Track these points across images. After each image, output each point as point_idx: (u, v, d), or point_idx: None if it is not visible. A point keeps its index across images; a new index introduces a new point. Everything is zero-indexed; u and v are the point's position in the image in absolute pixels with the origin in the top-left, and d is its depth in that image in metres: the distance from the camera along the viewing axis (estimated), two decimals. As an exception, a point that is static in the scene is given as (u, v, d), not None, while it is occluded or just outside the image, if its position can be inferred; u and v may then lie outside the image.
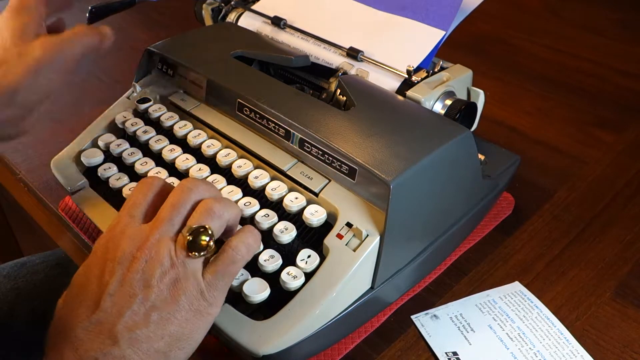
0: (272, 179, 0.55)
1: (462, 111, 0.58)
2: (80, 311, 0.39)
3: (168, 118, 0.63)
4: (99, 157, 0.61)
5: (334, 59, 0.65)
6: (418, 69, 0.61)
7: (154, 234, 0.41)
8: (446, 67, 0.64)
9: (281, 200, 0.52)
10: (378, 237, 0.48)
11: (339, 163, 0.52)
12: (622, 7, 1.11)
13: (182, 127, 0.61)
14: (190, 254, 0.41)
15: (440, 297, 0.56)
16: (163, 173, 0.58)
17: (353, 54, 0.64)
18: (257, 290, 0.47)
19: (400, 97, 0.60)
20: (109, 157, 0.62)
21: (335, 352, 0.51)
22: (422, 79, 0.60)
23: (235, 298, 0.48)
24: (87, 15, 0.65)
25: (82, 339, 0.38)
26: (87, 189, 0.60)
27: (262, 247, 0.50)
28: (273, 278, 0.48)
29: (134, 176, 0.59)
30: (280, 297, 0.47)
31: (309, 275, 0.48)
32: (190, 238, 0.41)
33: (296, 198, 0.52)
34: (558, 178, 0.71)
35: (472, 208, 0.59)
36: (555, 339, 0.52)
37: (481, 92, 0.64)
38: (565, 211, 0.66)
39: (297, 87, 0.65)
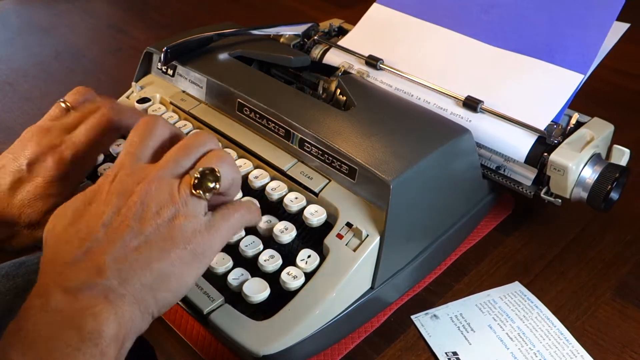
0: (272, 178, 0.55)
1: (617, 179, 0.51)
2: (73, 240, 0.38)
3: (168, 118, 0.63)
4: (99, 157, 0.61)
5: (448, 106, 0.58)
6: (555, 125, 0.53)
7: (157, 170, 0.40)
8: (583, 122, 0.56)
9: (281, 200, 0.52)
10: (378, 237, 0.48)
11: (339, 163, 0.52)
12: (622, 7, 1.11)
13: (182, 127, 0.61)
14: (194, 191, 0.40)
15: (440, 297, 0.56)
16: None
17: (472, 104, 0.55)
18: (257, 290, 0.47)
19: (400, 97, 0.60)
20: (109, 157, 0.62)
21: (335, 352, 0.51)
22: (562, 138, 0.52)
23: (235, 298, 0.48)
24: (162, 56, 0.62)
25: (69, 269, 0.37)
26: (88, 183, 0.60)
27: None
28: (273, 278, 0.48)
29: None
30: (280, 297, 0.47)
31: (309, 275, 0.48)
32: (199, 176, 0.40)
33: (296, 198, 0.52)
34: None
35: (472, 208, 0.59)
36: (555, 339, 0.51)
37: (627, 151, 0.55)
38: (565, 211, 0.66)
39: (297, 87, 0.65)
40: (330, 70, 0.66)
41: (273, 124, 0.56)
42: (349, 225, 0.49)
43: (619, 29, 0.57)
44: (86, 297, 0.36)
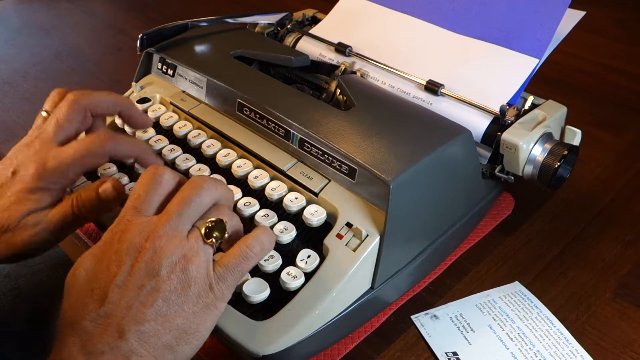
0: (272, 179, 0.55)
1: (565, 157, 0.54)
2: (89, 302, 0.39)
3: (168, 118, 0.63)
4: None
5: (411, 90, 0.61)
6: (508, 106, 0.55)
7: (163, 225, 0.41)
8: (538, 104, 0.59)
9: (281, 200, 0.52)
10: (378, 237, 0.48)
11: (339, 163, 0.52)
12: (622, 7, 1.11)
13: (182, 127, 0.61)
14: (207, 240, 0.41)
15: (440, 297, 0.56)
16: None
17: (433, 87, 0.58)
18: (257, 290, 0.47)
19: (400, 97, 0.60)
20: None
21: (335, 352, 0.51)
22: (515, 118, 0.55)
23: (235, 298, 0.48)
24: (139, 43, 0.64)
25: (90, 332, 0.38)
26: (86, 182, 0.60)
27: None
28: (273, 278, 0.48)
29: (134, 176, 0.59)
30: (280, 297, 0.47)
31: (309, 275, 0.48)
32: (210, 225, 0.41)
33: (296, 198, 0.52)
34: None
35: (472, 208, 0.59)
36: (555, 339, 0.51)
37: (578, 132, 0.59)
38: (565, 211, 0.66)
39: (297, 87, 0.65)
40: (331, 70, 0.66)
41: (273, 124, 0.56)
42: (349, 225, 0.49)
43: (574, 16, 0.60)
44: None
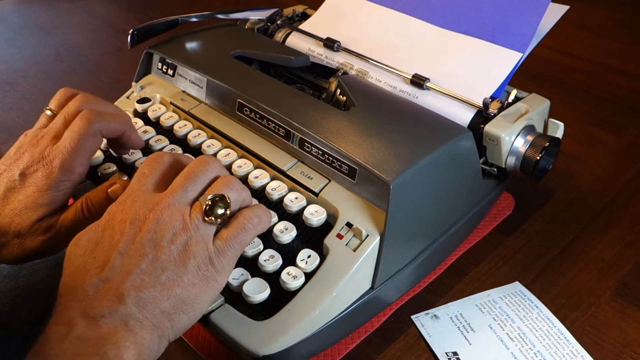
0: (272, 179, 0.55)
1: (546, 148, 0.54)
2: (91, 268, 0.40)
3: (168, 118, 0.63)
4: (99, 157, 0.61)
5: (397, 84, 0.61)
6: (492, 99, 0.56)
7: (167, 198, 0.42)
8: (521, 97, 0.60)
9: (281, 200, 0.52)
10: (378, 237, 0.48)
11: (339, 163, 0.52)
12: (622, 7, 1.11)
13: (182, 127, 0.61)
14: (206, 218, 0.42)
15: (440, 297, 0.56)
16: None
17: (418, 81, 0.59)
18: (257, 291, 0.47)
19: (400, 97, 0.60)
20: (109, 157, 0.62)
21: (335, 352, 0.51)
22: (498, 111, 0.56)
23: (235, 298, 0.48)
24: (129, 38, 0.65)
25: (90, 296, 0.38)
26: (87, 183, 0.60)
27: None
28: (273, 278, 0.48)
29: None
30: (280, 297, 0.47)
31: (309, 275, 0.48)
32: (210, 203, 0.42)
33: (296, 198, 0.52)
34: (558, 178, 0.71)
35: (472, 208, 0.59)
36: (555, 339, 0.52)
37: (561, 124, 0.60)
38: (565, 211, 0.66)
39: (297, 87, 0.65)
40: (331, 70, 0.66)
41: (273, 124, 0.56)
42: (349, 225, 0.49)
43: (558, 10, 0.60)
44: (107, 325, 0.37)
